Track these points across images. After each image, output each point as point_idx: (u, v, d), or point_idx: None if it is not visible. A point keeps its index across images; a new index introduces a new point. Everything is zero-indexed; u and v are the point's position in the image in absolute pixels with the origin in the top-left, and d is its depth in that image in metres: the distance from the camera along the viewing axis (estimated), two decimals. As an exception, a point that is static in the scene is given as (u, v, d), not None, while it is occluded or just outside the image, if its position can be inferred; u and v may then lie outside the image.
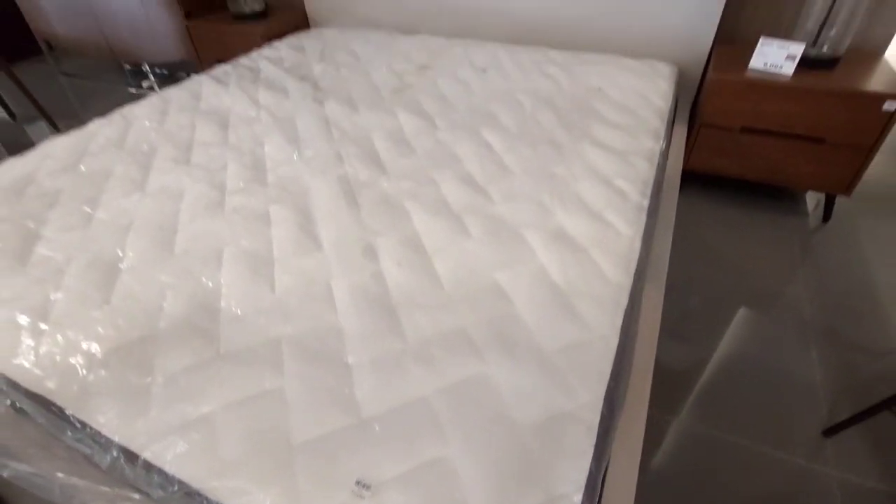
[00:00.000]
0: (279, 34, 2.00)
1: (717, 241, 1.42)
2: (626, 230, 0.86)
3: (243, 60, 1.69)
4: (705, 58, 1.53)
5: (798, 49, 1.28)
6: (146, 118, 1.31)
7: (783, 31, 1.53)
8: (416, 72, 1.52)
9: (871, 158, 1.31)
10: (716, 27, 1.47)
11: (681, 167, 1.36)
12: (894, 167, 1.72)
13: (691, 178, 1.68)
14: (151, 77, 2.78)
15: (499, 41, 1.76)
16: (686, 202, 1.58)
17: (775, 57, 1.31)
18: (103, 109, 1.38)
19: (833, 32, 1.31)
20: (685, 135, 1.46)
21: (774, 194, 1.60)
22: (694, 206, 1.56)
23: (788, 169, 1.41)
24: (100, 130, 1.28)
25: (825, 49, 1.34)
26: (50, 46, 3.06)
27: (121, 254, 0.85)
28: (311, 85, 1.46)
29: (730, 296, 1.26)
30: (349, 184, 0.99)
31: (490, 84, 1.42)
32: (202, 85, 1.50)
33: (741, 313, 1.21)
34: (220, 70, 1.61)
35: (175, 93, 1.45)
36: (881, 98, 1.22)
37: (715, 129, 1.43)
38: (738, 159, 1.45)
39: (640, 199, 0.94)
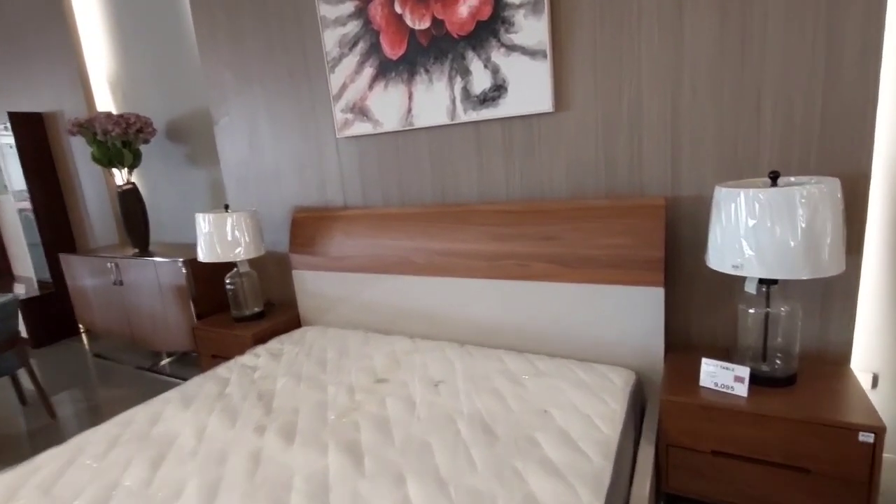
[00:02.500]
0: (273, 332, 2.18)
1: None
2: None
3: (221, 370, 1.79)
4: (661, 364, 1.51)
5: (744, 371, 1.25)
6: (94, 449, 1.32)
7: (728, 343, 1.53)
8: (371, 387, 1.54)
9: (875, 495, 1.11)
10: (663, 335, 1.49)
11: (647, 493, 1.19)
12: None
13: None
14: (166, 358, 3.00)
15: (462, 342, 1.84)
16: (678, 532, 1.33)
17: (724, 377, 1.27)
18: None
19: (778, 349, 1.29)
20: (653, 452, 1.33)
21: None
22: (689, 539, 1.31)
23: (784, 501, 1.21)
24: (45, 464, 1.28)
25: (778, 364, 1.30)
26: (88, 330, 3.44)
27: None
28: (263, 406, 1.48)
29: None
30: (234, 570, 0.88)
31: (438, 403, 1.41)
32: (168, 403, 1.55)
33: None
34: (194, 383, 1.69)
35: (140, 412, 1.50)
36: (852, 429, 1.10)
37: (683, 449, 1.30)
38: (720, 485, 1.28)
39: None
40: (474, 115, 1.73)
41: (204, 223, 2.09)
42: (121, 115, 2.54)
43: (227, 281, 2.23)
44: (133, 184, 2.76)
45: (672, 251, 1.56)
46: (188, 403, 1.54)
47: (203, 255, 2.12)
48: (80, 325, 3.65)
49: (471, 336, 1.84)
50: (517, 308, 1.71)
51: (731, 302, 1.51)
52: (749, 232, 1.15)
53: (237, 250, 2.12)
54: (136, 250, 2.82)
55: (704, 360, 1.30)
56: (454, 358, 1.69)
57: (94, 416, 2.40)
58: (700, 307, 1.55)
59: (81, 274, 2.99)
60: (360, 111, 1.96)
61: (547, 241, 1.63)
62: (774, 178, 1.20)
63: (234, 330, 2.16)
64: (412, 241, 1.89)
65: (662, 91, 1.47)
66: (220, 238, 2.10)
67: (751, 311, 1.30)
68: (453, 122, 1.78)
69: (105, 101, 3.19)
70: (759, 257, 1.15)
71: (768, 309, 1.27)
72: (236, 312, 2.26)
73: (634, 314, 1.52)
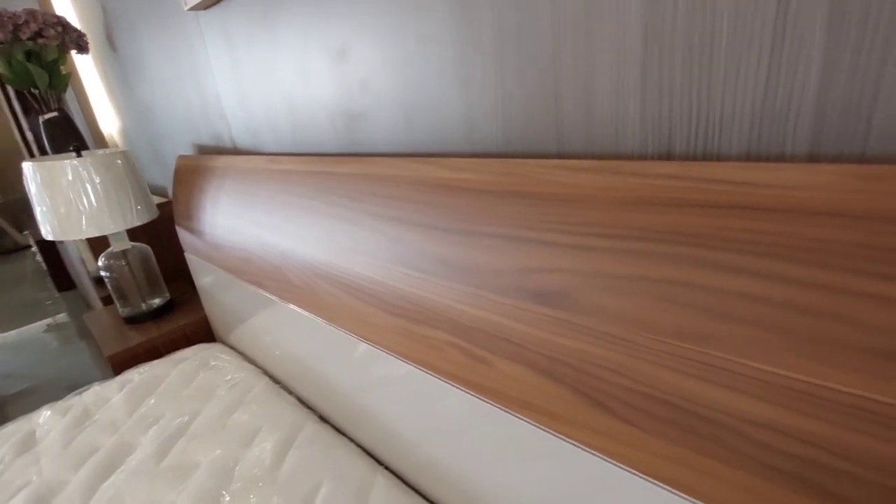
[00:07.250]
0: (170, 342, 1.42)
1: None
2: None
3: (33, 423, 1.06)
4: None
5: None
6: None
7: None
8: None
9: None
10: None
11: None
12: None
13: None
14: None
15: (380, 454, 0.83)
16: None
17: None
18: None
19: None
20: None
21: None
22: None
23: None
24: None
25: None
26: None
27: None
28: None
29: None
30: None
31: None
32: None
33: None
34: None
35: None
36: None
37: None
38: None
39: None
40: None
41: (31, 179, 1.29)
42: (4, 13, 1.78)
43: (100, 264, 1.47)
44: (62, 110, 2.07)
45: None
46: None
47: (49, 232, 1.36)
48: None
49: (392, 448, 0.82)
50: (464, 456, 0.63)
51: None
52: None
53: (85, 221, 1.31)
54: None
55: None
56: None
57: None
58: None
59: None
60: (184, -65, 0.89)
61: (552, 315, 0.47)
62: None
63: (111, 337, 1.43)
64: (286, 236, 0.86)
65: None
66: (59, 202, 1.29)
67: None
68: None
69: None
70: None
71: None
72: (125, 310, 1.52)
73: None
